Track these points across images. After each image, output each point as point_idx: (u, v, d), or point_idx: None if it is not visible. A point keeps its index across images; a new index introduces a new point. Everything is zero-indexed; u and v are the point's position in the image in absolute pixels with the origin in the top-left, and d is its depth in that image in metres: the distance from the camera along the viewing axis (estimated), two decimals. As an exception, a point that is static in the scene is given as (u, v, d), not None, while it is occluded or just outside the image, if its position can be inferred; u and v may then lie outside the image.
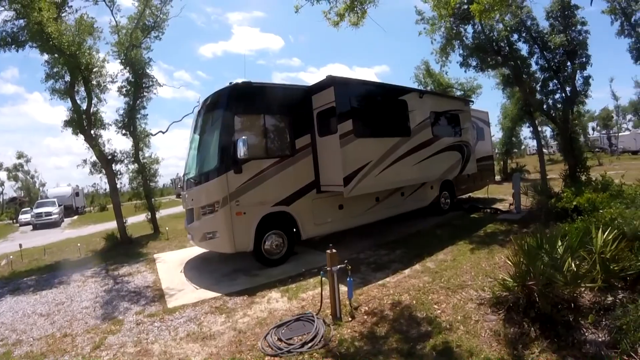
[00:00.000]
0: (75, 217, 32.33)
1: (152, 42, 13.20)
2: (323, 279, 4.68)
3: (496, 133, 29.55)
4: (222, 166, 6.74)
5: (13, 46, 10.24)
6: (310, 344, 3.90)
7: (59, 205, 28.40)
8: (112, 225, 13.32)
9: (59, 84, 11.63)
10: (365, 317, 4.59)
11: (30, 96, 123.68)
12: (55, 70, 11.39)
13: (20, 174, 48.66)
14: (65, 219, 29.18)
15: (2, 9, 10.00)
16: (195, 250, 8.96)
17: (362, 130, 7.78)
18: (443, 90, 24.28)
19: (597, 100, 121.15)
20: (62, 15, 11.09)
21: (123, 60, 12.36)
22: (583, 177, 12.57)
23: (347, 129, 7.26)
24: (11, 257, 10.27)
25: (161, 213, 14.86)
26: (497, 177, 22.25)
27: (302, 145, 7.65)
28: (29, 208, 31.68)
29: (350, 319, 4.54)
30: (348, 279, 4.75)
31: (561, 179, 13.33)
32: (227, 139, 6.79)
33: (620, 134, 48.44)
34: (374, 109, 8.51)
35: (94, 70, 11.55)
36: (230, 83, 7.23)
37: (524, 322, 3.90)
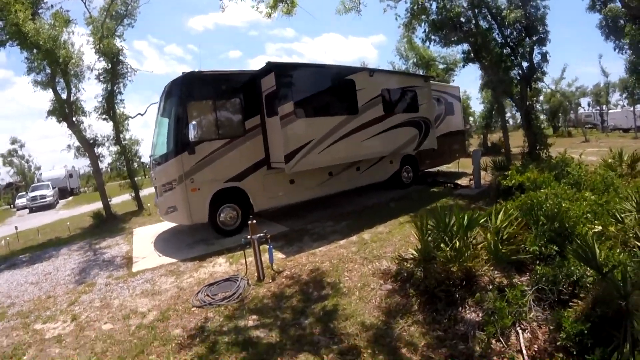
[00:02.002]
0: (70, 198, 33.56)
1: (125, 30, 13.88)
2: (252, 245, 5.56)
3: (477, 106, 29.96)
4: (177, 148, 7.71)
5: (-5, 45, 11.05)
6: (229, 299, 4.93)
7: (53, 188, 29.46)
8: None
9: (41, 77, 12.41)
10: (284, 280, 5.50)
11: (19, 79, 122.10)
12: (35, 64, 12.08)
13: (15, 159, 49.30)
14: (60, 201, 30.30)
15: None
16: (169, 224, 9.97)
17: (304, 110, 8.55)
18: (426, 62, 24.63)
19: (590, 75, 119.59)
20: (39, 11, 11.77)
21: (98, 50, 13.06)
22: (543, 155, 13.20)
23: (288, 111, 8.01)
24: (8, 238, 11.42)
25: (146, 191, 15.94)
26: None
27: (252, 126, 8.51)
28: (24, 192, 32.75)
29: (270, 281, 5.49)
30: (268, 246, 5.75)
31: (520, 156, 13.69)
32: (181, 124, 7.71)
33: (611, 111, 48.01)
34: (317, 90, 9.20)
35: (72, 62, 12.29)
36: (183, 73, 8.09)
37: (412, 294, 4.31)
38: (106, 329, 4.62)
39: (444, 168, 15.91)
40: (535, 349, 3.24)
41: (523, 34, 13.76)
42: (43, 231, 13.11)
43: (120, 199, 16.25)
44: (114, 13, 13.31)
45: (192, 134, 7.56)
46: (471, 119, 32.03)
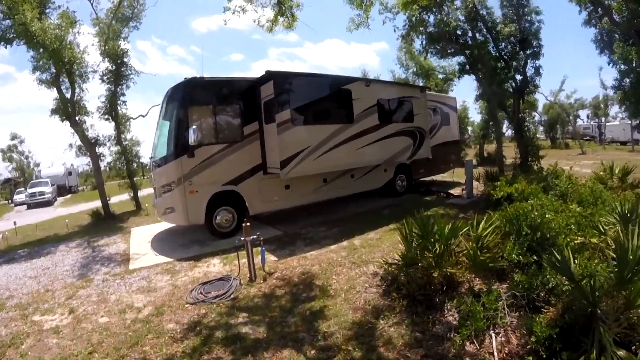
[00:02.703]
0: (68, 195, 33.74)
1: (130, 32, 14.19)
2: (245, 246, 5.78)
3: (476, 116, 30.30)
4: (177, 151, 7.99)
5: (2, 42, 11.35)
6: (221, 297, 5.16)
7: (52, 185, 29.73)
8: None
9: (45, 75, 12.66)
10: (275, 281, 5.74)
11: (20, 75, 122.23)
12: (41, 63, 12.36)
13: (14, 155, 49.50)
14: (58, 198, 30.58)
15: None
16: (166, 225, 10.20)
17: (301, 118, 8.84)
18: (425, 72, 24.92)
19: (590, 88, 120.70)
20: (46, 11, 12.05)
21: (103, 51, 13.34)
22: (535, 166, 13.48)
23: (285, 118, 8.29)
24: (7, 233, 11.62)
25: (144, 192, 16.18)
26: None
27: (250, 132, 8.80)
28: (23, 188, 33.00)
29: (262, 281, 5.73)
30: (261, 248, 6.00)
31: (511, 167, 14.04)
32: (181, 127, 8.00)
33: (608, 123, 48.33)
34: (314, 98, 9.51)
35: (77, 62, 12.55)
36: (185, 78, 8.39)
37: (394, 297, 4.52)
38: (102, 322, 4.82)
39: (438, 177, 16.10)
40: (507, 352, 3.44)
41: (517, 48, 14.20)
42: (41, 227, 13.30)
43: (118, 199, 16.44)
44: (120, 15, 13.59)
45: (192, 138, 7.84)
46: (469, 128, 32.36)
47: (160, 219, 9.36)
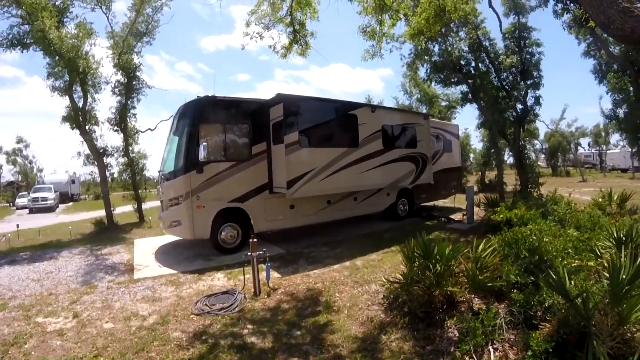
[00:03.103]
0: (70, 203, 33.87)
1: (143, 47, 14.65)
2: (251, 262, 5.92)
3: (476, 144, 30.72)
4: (186, 166, 8.21)
5: (18, 47, 11.72)
6: (226, 310, 5.27)
7: (55, 192, 29.93)
8: (104, 213, 14.76)
9: (59, 83, 12.99)
10: (279, 296, 5.86)
11: (30, 80, 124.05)
12: (56, 70, 12.67)
13: (19, 159, 49.86)
14: (60, 205, 30.66)
15: (10, 15, 11.48)
16: (169, 238, 10.36)
17: (308, 141, 9.10)
18: (429, 99, 25.43)
19: (591, 116, 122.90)
20: (64, 20, 12.50)
21: (116, 64, 13.75)
22: (535, 193, 13.73)
23: (293, 140, 8.55)
24: (9, 235, 11.72)
25: (147, 205, 16.34)
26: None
27: (258, 151, 9.06)
28: (26, 192, 33.16)
29: (266, 296, 5.84)
30: (266, 265, 6.13)
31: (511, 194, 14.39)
32: (192, 144, 8.24)
33: (609, 151, 48.98)
34: (321, 122, 9.82)
35: (91, 72, 12.92)
36: (198, 96, 8.70)
37: (396, 314, 4.71)
38: (107, 328, 4.90)
39: (440, 203, 16.26)
40: None
41: (518, 78, 14.69)
42: (43, 232, 13.42)
43: (121, 210, 16.56)
44: (135, 30, 14.06)
45: (202, 154, 8.07)
46: (471, 155, 32.73)
47: (165, 232, 9.47)
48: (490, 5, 10.82)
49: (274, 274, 6.94)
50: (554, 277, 3.80)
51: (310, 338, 4.35)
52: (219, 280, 6.80)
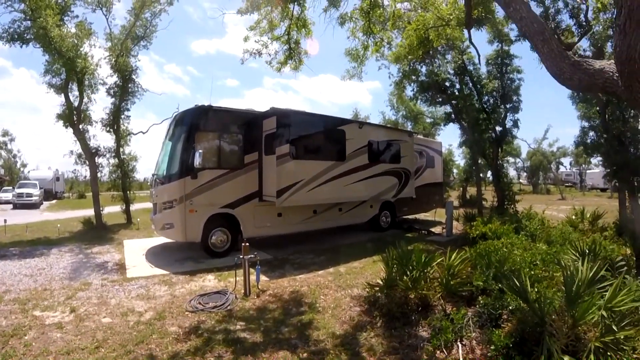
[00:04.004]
0: (54, 201, 33.36)
1: (140, 51, 14.97)
2: (242, 264, 6.35)
3: (460, 160, 31.71)
4: (181, 172, 8.59)
5: (18, 42, 11.84)
6: (219, 307, 5.66)
7: (40, 188, 29.55)
8: (89, 212, 14.94)
9: (56, 80, 13.18)
10: (268, 297, 6.27)
11: (17, 71, 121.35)
12: (54, 67, 12.84)
13: (3, 152, 48.82)
14: (44, 202, 30.25)
15: (13, 9, 11.64)
16: (158, 240, 10.67)
17: (298, 153, 9.57)
18: (414, 116, 26.28)
19: (572, 137, 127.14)
20: (65, 19, 12.72)
21: (113, 66, 14.01)
22: (511, 209, 14.51)
23: (284, 152, 9.01)
24: (-4, 229, 11.77)
25: (136, 206, 16.50)
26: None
27: (250, 161, 9.50)
28: (10, 187, 32.57)
29: (255, 297, 6.25)
30: (257, 267, 6.55)
31: (489, 209, 15.26)
32: (188, 150, 8.64)
33: (589, 171, 50.63)
34: (311, 135, 10.37)
35: (88, 72, 13.14)
36: (195, 105, 9.11)
37: (376, 314, 5.19)
38: (105, 322, 5.19)
39: (421, 216, 16.90)
40: (471, 358, 4.09)
41: (498, 102, 15.51)
42: (31, 229, 13.45)
43: (107, 210, 16.67)
44: (133, 34, 14.37)
45: (197, 161, 8.46)
46: (455, 170, 33.71)
47: (157, 234, 9.78)
48: (471, 41, 11.65)
49: (262, 277, 7.30)
50: (517, 283, 4.33)
51: (297, 334, 4.79)
52: (209, 281, 7.17)
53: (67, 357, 4.19)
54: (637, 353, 3.72)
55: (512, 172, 52.55)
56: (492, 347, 3.94)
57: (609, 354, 3.51)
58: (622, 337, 3.63)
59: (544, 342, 3.66)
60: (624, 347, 3.62)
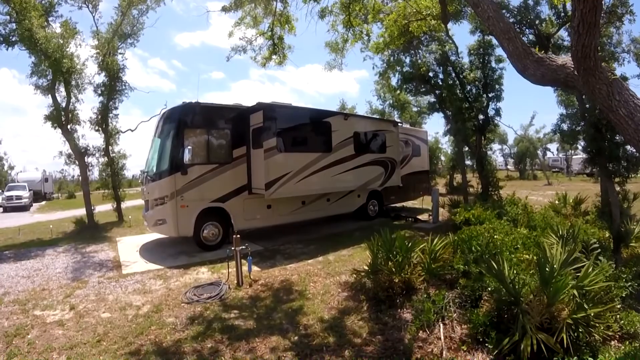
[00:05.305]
0: (44, 202, 33.06)
1: (127, 48, 14.93)
2: (235, 256, 6.60)
3: (447, 147, 32.15)
4: (171, 168, 8.79)
5: (3, 44, 11.75)
6: (213, 298, 5.95)
7: (29, 190, 29.34)
8: (80, 212, 15.00)
9: (42, 81, 13.10)
10: (259, 287, 6.58)
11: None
12: (40, 68, 12.77)
13: (-10, 155, 47.97)
14: (33, 204, 30.03)
15: None
16: (151, 237, 10.87)
17: (285, 146, 9.82)
18: (401, 105, 26.51)
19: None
20: (50, 19, 12.64)
21: (101, 65, 13.98)
22: (494, 196, 14.91)
23: (271, 145, 9.24)
24: (-12, 234, 11.84)
25: (127, 204, 16.61)
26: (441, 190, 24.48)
27: (238, 155, 9.71)
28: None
29: (248, 287, 6.54)
30: (248, 258, 6.83)
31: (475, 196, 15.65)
32: (177, 147, 8.84)
33: (575, 156, 51.44)
34: (298, 128, 10.61)
35: (75, 72, 13.11)
36: (183, 102, 9.29)
37: (362, 299, 5.54)
38: (105, 317, 5.43)
39: (409, 204, 17.25)
40: (451, 337, 4.41)
41: (481, 91, 15.78)
42: (23, 231, 13.53)
43: (100, 209, 16.76)
44: (120, 32, 14.31)
45: (186, 157, 8.68)
46: (442, 158, 34.16)
47: (150, 230, 9.98)
48: (448, 35, 11.91)
49: (254, 268, 7.58)
50: (495, 266, 4.64)
51: (288, 319, 5.12)
52: (203, 274, 7.43)
53: (70, 352, 4.42)
54: (611, 330, 4.08)
55: (499, 159, 53.51)
56: (471, 326, 4.27)
57: (580, 330, 3.84)
58: (592, 314, 3.94)
59: (518, 320, 3.98)
60: (595, 324, 3.95)
